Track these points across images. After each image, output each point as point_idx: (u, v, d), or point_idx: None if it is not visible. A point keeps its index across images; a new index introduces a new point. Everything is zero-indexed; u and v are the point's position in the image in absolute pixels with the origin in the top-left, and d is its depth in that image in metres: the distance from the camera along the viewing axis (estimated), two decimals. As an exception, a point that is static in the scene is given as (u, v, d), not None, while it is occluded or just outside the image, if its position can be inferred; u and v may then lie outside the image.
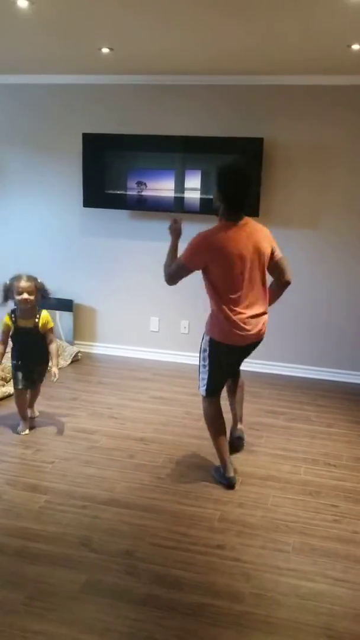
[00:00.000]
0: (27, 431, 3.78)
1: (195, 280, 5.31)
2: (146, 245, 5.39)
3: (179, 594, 2.37)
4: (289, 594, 2.40)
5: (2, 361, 3.76)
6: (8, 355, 3.80)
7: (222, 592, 2.39)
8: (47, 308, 5.51)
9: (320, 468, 3.52)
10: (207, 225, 5.09)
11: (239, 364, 3.58)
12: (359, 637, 2.19)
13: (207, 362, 3.32)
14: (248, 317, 3.17)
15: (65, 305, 5.57)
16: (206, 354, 3.31)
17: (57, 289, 5.58)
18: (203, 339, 3.36)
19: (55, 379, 3.63)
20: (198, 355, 3.40)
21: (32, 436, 3.75)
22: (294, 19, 3.37)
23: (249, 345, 3.29)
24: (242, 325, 3.16)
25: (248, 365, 4.13)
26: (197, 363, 3.43)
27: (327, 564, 2.61)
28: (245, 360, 3.53)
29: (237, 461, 3.52)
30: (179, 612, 2.27)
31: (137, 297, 5.52)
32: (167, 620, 2.22)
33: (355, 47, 3.83)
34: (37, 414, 4.01)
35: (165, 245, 5.28)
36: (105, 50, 4.23)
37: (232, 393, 3.72)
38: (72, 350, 5.38)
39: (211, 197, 4.74)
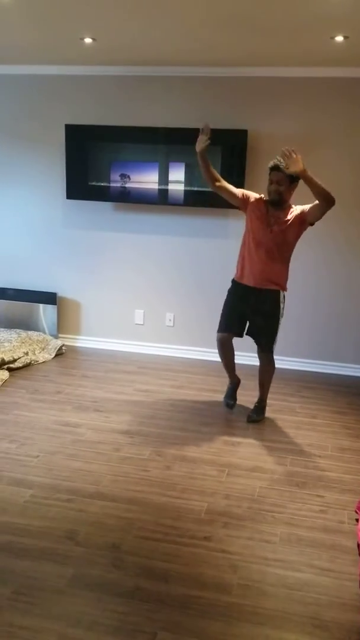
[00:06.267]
0: None
1: (179, 273, 5.31)
2: (130, 238, 5.36)
3: (166, 587, 2.36)
4: (277, 585, 2.41)
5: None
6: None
7: (209, 584, 2.39)
8: (31, 301, 5.51)
9: (305, 459, 3.53)
10: (193, 218, 5.12)
11: None
12: (345, 626, 2.20)
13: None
14: None
15: (49, 298, 5.53)
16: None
17: (40, 282, 5.57)
18: (278, 299, 3.87)
19: None
20: (273, 323, 3.89)
21: (17, 430, 3.72)
22: (278, 11, 3.35)
23: None
24: None
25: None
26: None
27: (314, 554, 2.62)
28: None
29: (224, 452, 3.53)
30: (166, 604, 2.26)
31: (121, 290, 5.50)
32: (154, 612, 2.22)
33: (338, 38, 3.83)
34: None
35: (149, 239, 5.30)
36: (87, 40, 4.18)
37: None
38: (56, 343, 5.35)
39: (195, 189, 4.75)
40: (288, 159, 3.47)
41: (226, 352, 4.11)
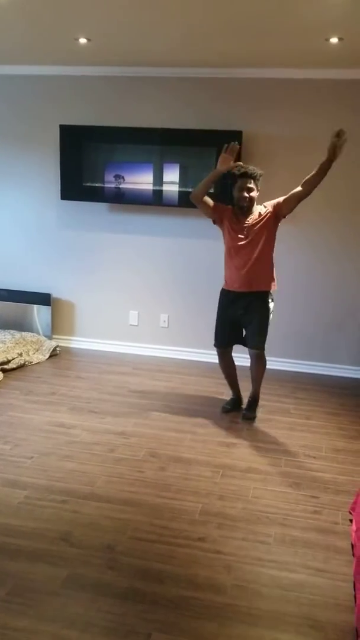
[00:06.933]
0: None
1: (174, 274, 5.31)
2: (125, 239, 5.36)
3: (160, 587, 2.36)
4: (271, 585, 2.41)
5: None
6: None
7: (203, 585, 2.39)
8: (25, 302, 5.50)
9: (300, 460, 3.54)
10: (187, 219, 5.12)
11: None
12: (340, 627, 2.20)
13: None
14: None
15: (43, 299, 5.52)
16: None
17: (34, 282, 5.56)
18: (266, 299, 3.91)
19: None
20: (261, 320, 3.91)
21: (11, 431, 3.71)
22: (273, 13, 3.36)
23: None
24: None
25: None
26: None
27: (308, 554, 2.63)
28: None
29: (218, 453, 3.54)
30: (160, 605, 2.26)
31: (115, 291, 5.49)
32: (149, 613, 2.21)
33: (333, 40, 3.85)
34: None
35: (144, 239, 5.30)
36: (82, 40, 4.18)
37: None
38: (50, 344, 5.34)
39: (190, 190, 4.75)
40: (339, 145, 3.47)
41: (226, 363, 4.19)
